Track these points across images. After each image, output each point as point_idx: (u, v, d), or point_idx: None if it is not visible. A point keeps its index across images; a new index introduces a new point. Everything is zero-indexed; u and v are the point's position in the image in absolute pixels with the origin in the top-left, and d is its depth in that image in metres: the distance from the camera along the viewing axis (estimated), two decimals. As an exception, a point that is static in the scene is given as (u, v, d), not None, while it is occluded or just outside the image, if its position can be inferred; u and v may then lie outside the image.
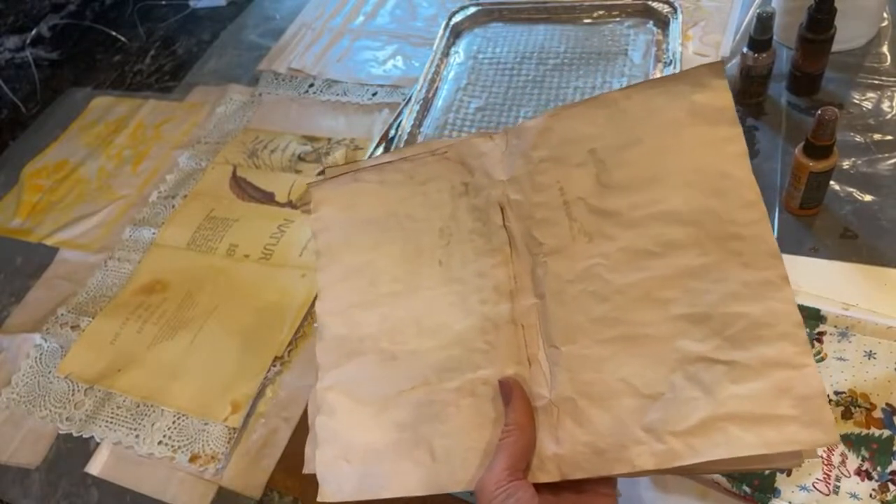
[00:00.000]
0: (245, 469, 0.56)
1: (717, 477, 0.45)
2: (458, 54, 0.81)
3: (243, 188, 0.79)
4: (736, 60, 0.71)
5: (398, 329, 0.43)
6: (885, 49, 0.72)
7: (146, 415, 0.61)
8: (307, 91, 0.89)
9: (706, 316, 0.35)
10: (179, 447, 0.58)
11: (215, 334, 0.65)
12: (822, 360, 0.49)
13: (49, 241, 0.80)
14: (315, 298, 0.64)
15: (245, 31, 1.04)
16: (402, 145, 0.72)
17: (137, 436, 0.60)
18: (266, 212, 0.75)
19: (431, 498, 0.40)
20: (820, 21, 0.62)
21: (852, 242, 0.57)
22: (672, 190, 0.38)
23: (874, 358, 0.48)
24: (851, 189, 0.61)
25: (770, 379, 0.33)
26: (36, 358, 0.68)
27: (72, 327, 0.70)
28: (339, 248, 0.47)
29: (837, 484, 0.44)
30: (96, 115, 0.97)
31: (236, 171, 0.81)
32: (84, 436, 0.61)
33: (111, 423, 0.61)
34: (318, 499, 0.41)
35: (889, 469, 0.44)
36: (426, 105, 0.76)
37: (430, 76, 0.78)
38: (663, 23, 0.76)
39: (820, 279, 0.55)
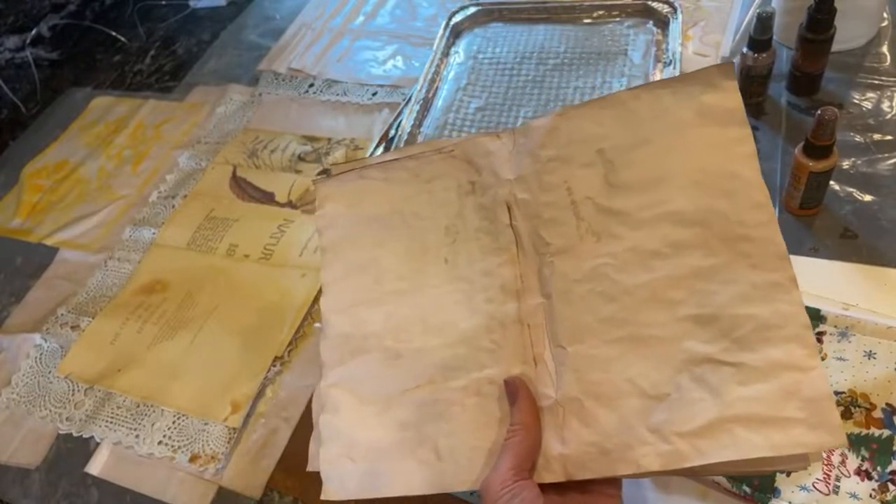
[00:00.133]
0: (245, 469, 0.56)
1: (718, 477, 0.45)
2: (458, 54, 0.81)
3: (243, 188, 0.79)
4: (736, 60, 0.71)
5: (403, 327, 0.43)
6: (884, 49, 0.72)
7: (146, 415, 0.61)
8: (307, 91, 0.89)
9: (714, 317, 0.35)
10: (179, 447, 0.58)
11: (215, 334, 0.65)
12: (822, 360, 0.49)
13: (49, 241, 0.80)
14: (316, 298, 0.65)
15: (245, 31, 1.04)
16: (402, 145, 0.72)
17: (137, 436, 0.59)
18: (266, 212, 0.75)
19: (431, 497, 0.40)
20: (820, 21, 0.62)
21: (852, 242, 0.58)
22: (680, 190, 0.38)
23: (874, 358, 0.48)
24: (851, 189, 0.61)
25: (777, 381, 0.33)
26: (36, 358, 0.68)
27: (72, 327, 0.70)
28: (343, 245, 0.47)
29: (837, 484, 0.44)
30: (96, 115, 0.97)
31: (236, 171, 0.81)
32: (84, 436, 0.61)
33: (111, 423, 0.61)
34: (322, 497, 0.41)
35: (889, 469, 0.44)
36: (426, 105, 0.76)
37: (430, 76, 0.78)
38: (663, 23, 0.76)
39: (820, 279, 0.55)
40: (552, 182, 0.42)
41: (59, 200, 0.85)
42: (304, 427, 0.57)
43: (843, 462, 0.45)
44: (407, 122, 0.73)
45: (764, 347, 0.34)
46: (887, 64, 0.71)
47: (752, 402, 0.33)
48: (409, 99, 0.77)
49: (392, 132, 0.74)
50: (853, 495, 0.44)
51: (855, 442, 0.45)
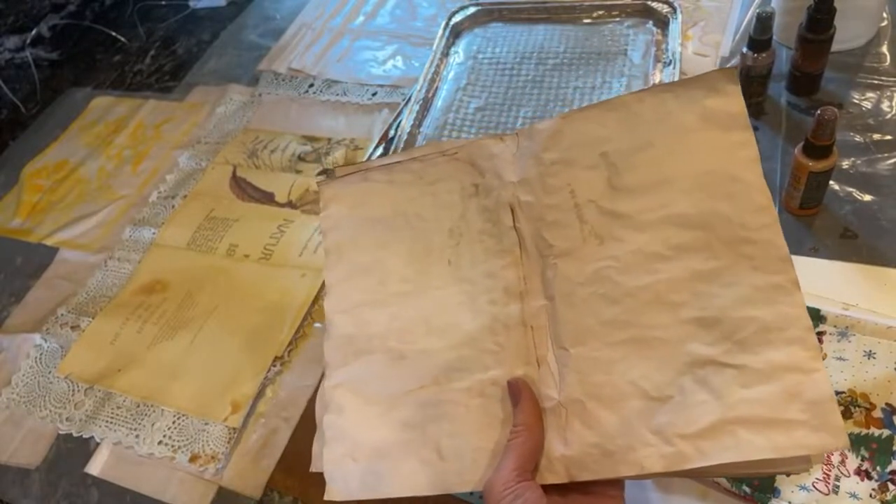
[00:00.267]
0: (245, 469, 0.56)
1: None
2: (458, 54, 0.81)
3: (243, 188, 0.79)
4: (736, 60, 0.71)
5: (407, 328, 0.43)
6: (884, 49, 0.72)
7: (146, 415, 0.61)
8: (307, 91, 0.89)
9: (716, 320, 0.36)
10: (179, 447, 0.58)
11: (215, 334, 0.65)
12: (822, 359, 0.49)
13: (49, 241, 0.80)
14: (316, 298, 0.65)
15: (245, 31, 1.04)
16: (401, 145, 0.72)
17: (137, 436, 0.59)
18: (266, 212, 0.75)
19: (433, 498, 0.40)
20: (819, 21, 0.63)
21: (852, 242, 0.58)
22: (683, 193, 0.38)
23: (874, 358, 0.48)
24: (851, 189, 0.61)
25: (780, 383, 0.33)
26: (36, 358, 0.68)
27: (72, 327, 0.70)
28: (347, 246, 0.47)
29: (837, 483, 0.44)
30: (96, 115, 0.97)
31: (236, 171, 0.81)
32: (84, 436, 0.61)
33: (111, 423, 0.61)
34: (325, 497, 0.41)
35: (889, 469, 0.44)
36: (426, 105, 0.76)
37: (429, 76, 0.78)
38: (663, 23, 0.76)
39: (820, 279, 0.55)
40: (556, 185, 0.42)
41: (59, 200, 0.85)
42: (304, 427, 0.57)
43: (842, 462, 0.45)
44: (407, 122, 0.74)
45: (766, 349, 0.34)
46: (887, 64, 0.71)
47: (755, 403, 0.33)
48: (409, 99, 0.77)
49: (392, 132, 0.75)
50: (853, 495, 0.44)
51: (855, 442, 0.45)
